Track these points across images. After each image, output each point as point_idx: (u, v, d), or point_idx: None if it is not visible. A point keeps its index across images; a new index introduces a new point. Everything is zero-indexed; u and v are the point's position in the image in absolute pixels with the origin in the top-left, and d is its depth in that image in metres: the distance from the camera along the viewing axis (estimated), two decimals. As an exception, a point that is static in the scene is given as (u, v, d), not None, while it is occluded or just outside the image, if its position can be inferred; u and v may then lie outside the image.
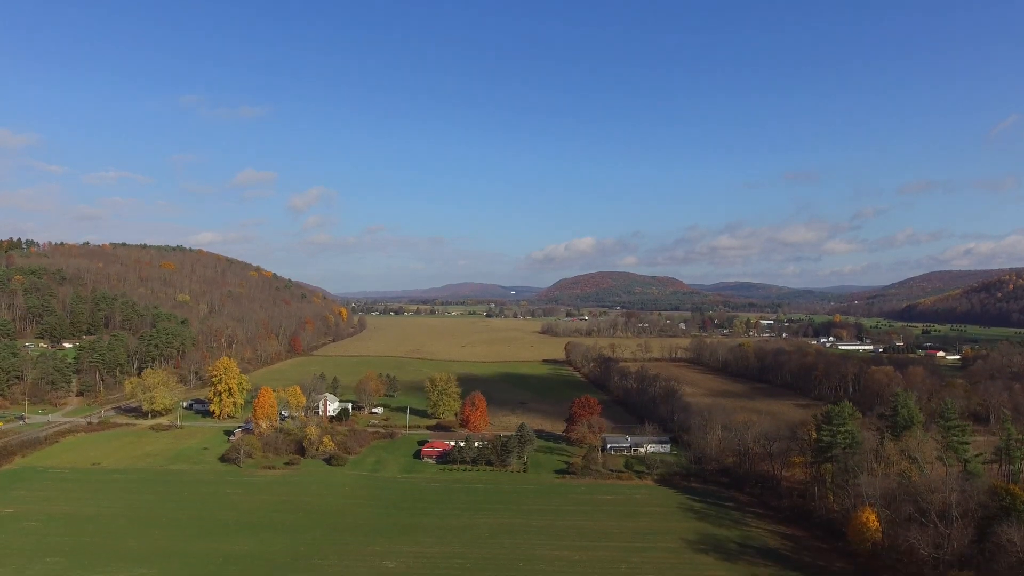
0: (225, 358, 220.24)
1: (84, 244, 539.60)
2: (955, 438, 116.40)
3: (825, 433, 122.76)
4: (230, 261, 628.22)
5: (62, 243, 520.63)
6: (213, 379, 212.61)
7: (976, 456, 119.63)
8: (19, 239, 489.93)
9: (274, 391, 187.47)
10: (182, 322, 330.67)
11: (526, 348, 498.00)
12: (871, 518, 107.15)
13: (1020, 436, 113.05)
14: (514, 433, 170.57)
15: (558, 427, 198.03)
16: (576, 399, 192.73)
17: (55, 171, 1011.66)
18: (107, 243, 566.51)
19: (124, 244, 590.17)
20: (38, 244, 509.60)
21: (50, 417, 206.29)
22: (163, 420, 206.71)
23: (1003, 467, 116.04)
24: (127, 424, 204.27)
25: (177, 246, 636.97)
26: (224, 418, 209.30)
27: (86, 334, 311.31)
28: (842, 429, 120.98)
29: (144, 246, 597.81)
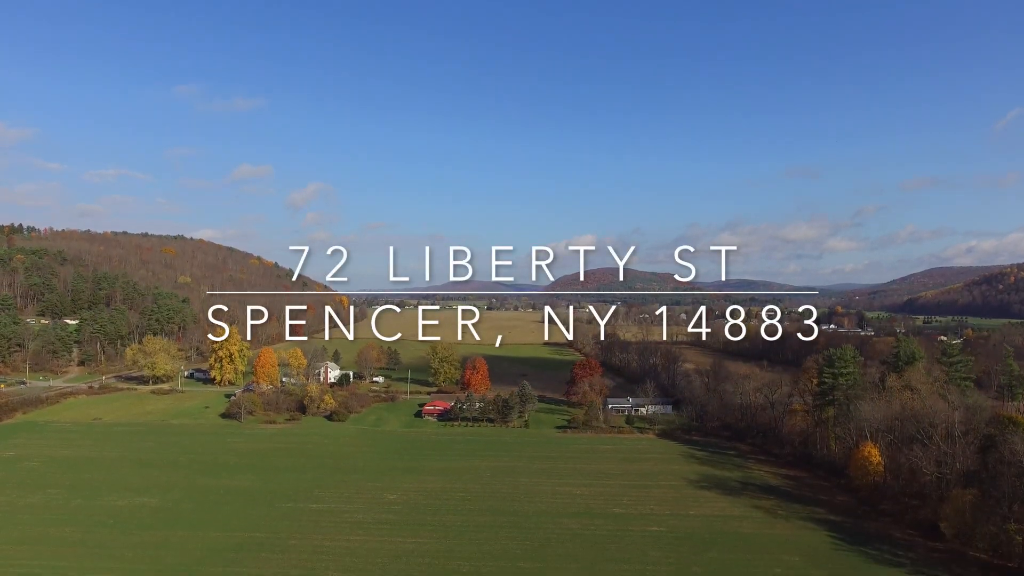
0: (226, 324, 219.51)
1: (86, 232, 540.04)
2: (957, 374, 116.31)
3: (827, 376, 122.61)
4: (231, 250, 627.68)
5: (64, 229, 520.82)
6: (214, 345, 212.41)
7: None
8: (20, 224, 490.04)
9: (275, 351, 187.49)
10: (183, 301, 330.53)
11: (527, 334, 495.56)
12: (873, 452, 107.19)
13: (1021, 373, 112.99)
14: (515, 391, 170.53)
15: (559, 397, 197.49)
16: (577, 362, 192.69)
17: (54, 168, 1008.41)
18: (108, 231, 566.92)
19: (125, 233, 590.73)
20: (39, 230, 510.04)
21: (51, 383, 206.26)
22: (164, 386, 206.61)
23: (1004, 404, 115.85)
24: (128, 389, 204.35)
25: (178, 235, 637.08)
26: (225, 384, 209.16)
27: (87, 311, 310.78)
28: (844, 371, 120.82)
29: (146, 234, 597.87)
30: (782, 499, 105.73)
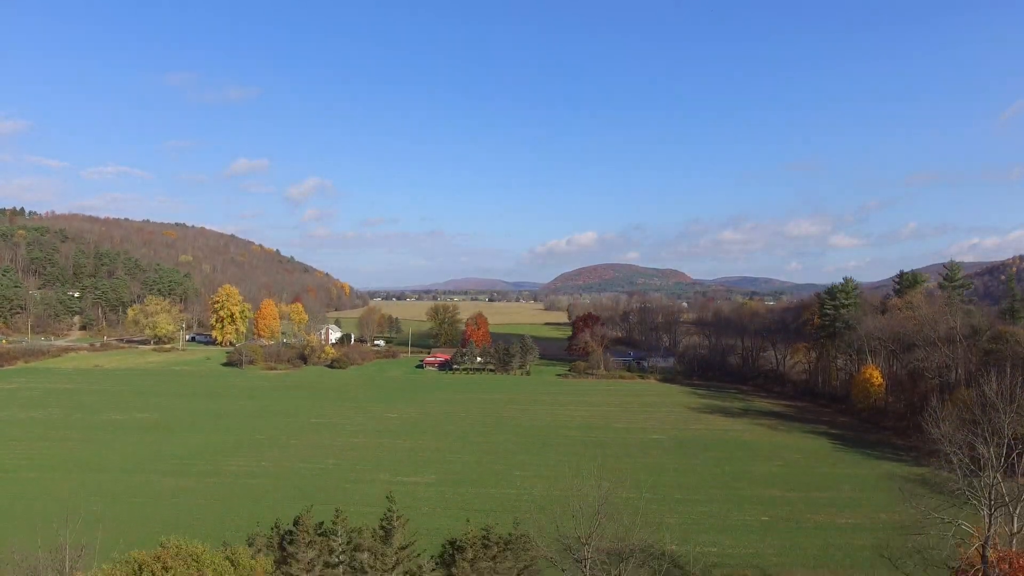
0: (227, 285, 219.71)
1: (88, 216, 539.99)
2: (959, 296, 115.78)
3: (828, 308, 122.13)
4: (232, 237, 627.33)
5: (66, 213, 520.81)
6: (215, 305, 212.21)
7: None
8: (22, 208, 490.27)
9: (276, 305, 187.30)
10: (185, 275, 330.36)
11: (528, 317, 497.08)
12: (874, 374, 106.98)
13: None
14: (517, 344, 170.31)
15: (561, 355, 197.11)
16: (578, 317, 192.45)
17: (53, 165, 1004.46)
18: (110, 216, 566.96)
19: (127, 219, 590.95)
20: (40, 214, 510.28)
21: (53, 342, 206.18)
22: (166, 346, 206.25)
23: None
24: (130, 347, 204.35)
25: (179, 223, 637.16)
26: (226, 345, 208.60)
27: (89, 280, 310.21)
28: (846, 303, 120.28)
29: (147, 220, 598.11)
30: (784, 420, 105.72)
